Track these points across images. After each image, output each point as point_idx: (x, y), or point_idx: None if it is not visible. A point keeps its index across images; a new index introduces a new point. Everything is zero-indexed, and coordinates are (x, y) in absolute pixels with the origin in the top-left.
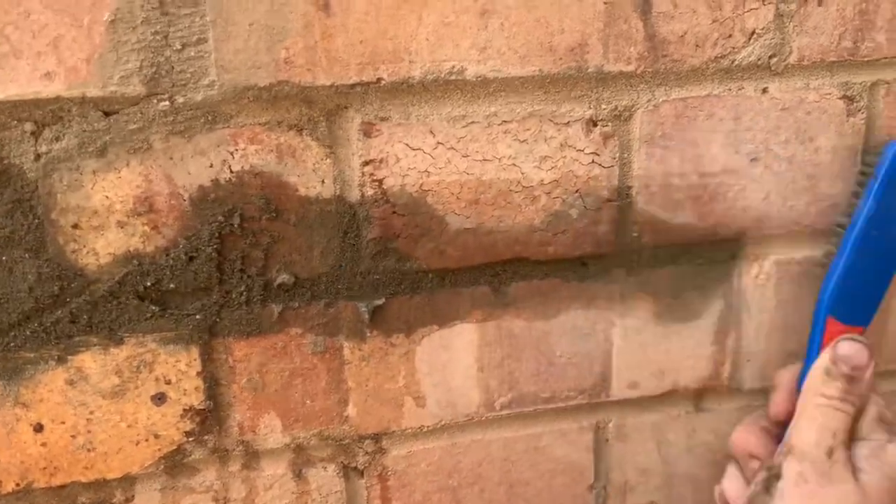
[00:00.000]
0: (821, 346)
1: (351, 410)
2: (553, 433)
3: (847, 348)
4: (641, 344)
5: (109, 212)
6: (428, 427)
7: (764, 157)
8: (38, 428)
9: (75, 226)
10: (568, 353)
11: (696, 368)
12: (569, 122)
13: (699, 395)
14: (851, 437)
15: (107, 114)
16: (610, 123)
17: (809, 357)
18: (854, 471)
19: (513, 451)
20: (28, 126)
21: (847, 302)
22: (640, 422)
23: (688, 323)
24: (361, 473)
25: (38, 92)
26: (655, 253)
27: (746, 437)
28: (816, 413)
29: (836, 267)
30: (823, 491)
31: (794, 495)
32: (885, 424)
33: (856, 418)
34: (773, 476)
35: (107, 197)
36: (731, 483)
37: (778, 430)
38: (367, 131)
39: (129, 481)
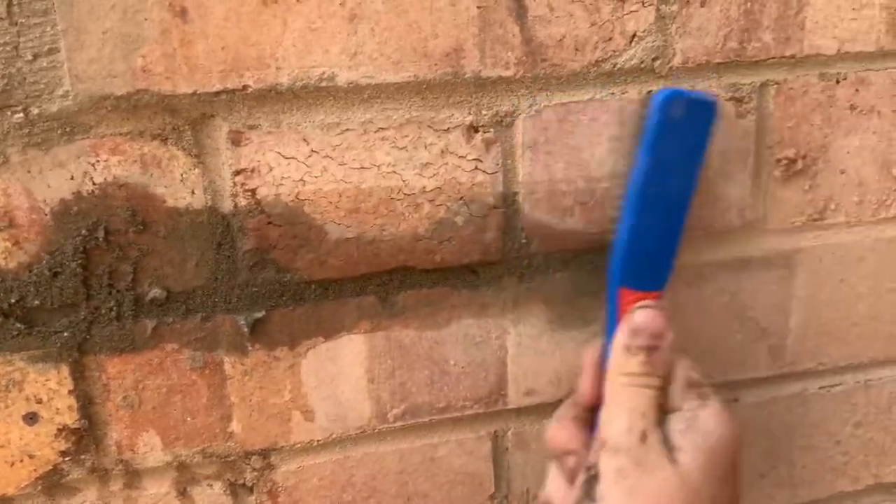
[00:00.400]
0: (617, 321)
1: (235, 426)
2: (450, 443)
3: (642, 317)
4: (537, 351)
5: None
6: (318, 441)
7: None
8: None
9: None
10: (462, 362)
11: None
12: (448, 129)
13: None
14: (664, 410)
15: None
16: (492, 129)
17: (609, 334)
18: (672, 450)
19: (409, 463)
20: None
21: (636, 268)
22: (539, 429)
23: (583, 329)
24: (251, 490)
25: None
26: (546, 259)
27: (558, 434)
28: (623, 395)
29: (620, 233)
30: (643, 483)
31: (614, 495)
32: (696, 388)
33: (664, 389)
34: (593, 477)
35: None
36: (554, 485)
37: (591, 416)
38: (236, 140)
39: (6, 503)
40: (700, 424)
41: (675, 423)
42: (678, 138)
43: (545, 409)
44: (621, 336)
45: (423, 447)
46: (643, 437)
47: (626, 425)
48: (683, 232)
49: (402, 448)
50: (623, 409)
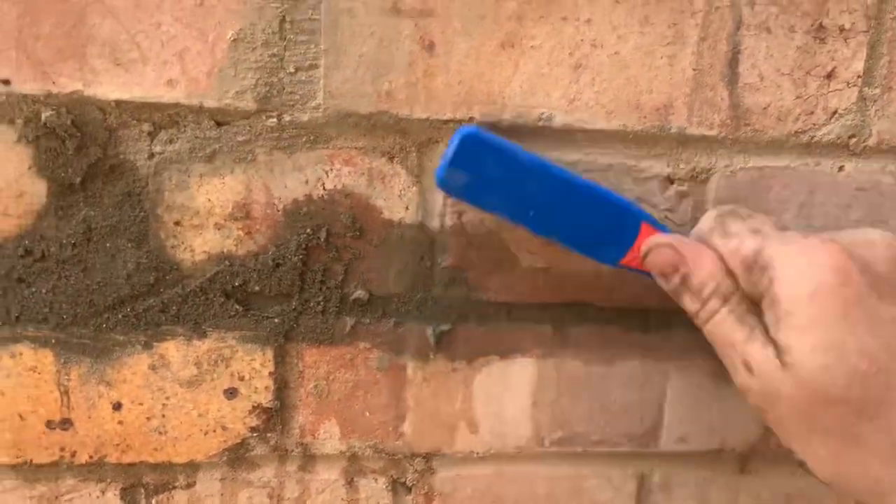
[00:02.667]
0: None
1: (407, 428)
2: (598, 476)
3: (653, 261)
4: (695, 400)
5: (210, 213)
6: (478, 453)
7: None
8: (117, 406)
9: (177, 223)
10: (621, 400)
11: (746, 431)
12: (646, 178)
13: (745, 458)
14: (756, 303)
15: (219, 124)
16: (686, 183)
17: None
18: (781, 353)
19: (557, 488)
20: (146, 127)
21: (604, 245)
22: (685, 477)
23: None
24: (409, 490)
25: (160, 97)
26: None
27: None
28: (714, 337)
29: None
30: (773, 408)
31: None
32: (752, 261)
33: (735, 293)
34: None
35: (209, 200)
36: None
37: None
38: None
39: (192, 468)
40: (779, 296)
41: (767, 316)
42: (483, 178)
43: (694, 458)
44: (661, 283)
45: (573, 476)
46: (748, 368)
47: (732, 369)
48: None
49: (553, 473)
50: (724, 353)
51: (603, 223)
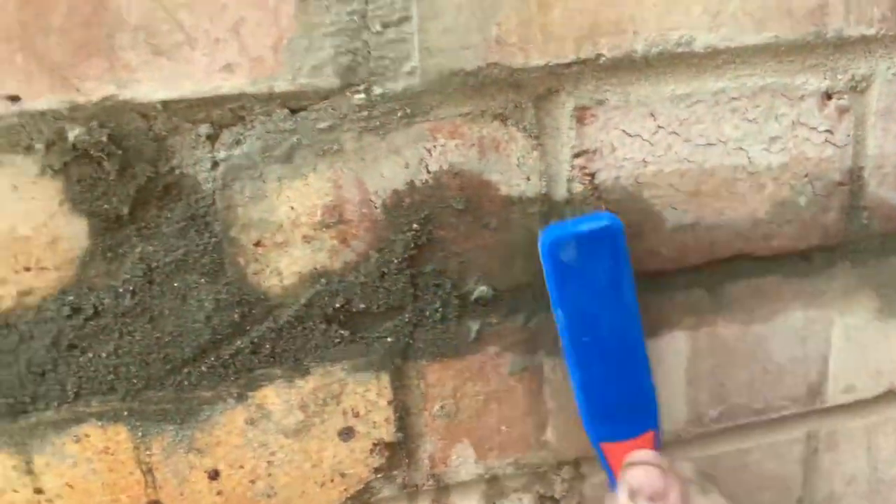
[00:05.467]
0: (613, 474)
1: (549, 435)
2: (763, 447)
3: (636, 478)
4: (861, 344)
5: (295, 225)
6: None
7: None
8: (214, 475)
9: (258, 243)
10: (783, 360)
11: None
12: (803, 96)
13: None
14: None
15: (293, 111)
16: (846, 95)
17: (612, 484)
18: None
19: (720, 468)
20: (204, 129)
21: (609, 420)
22: (852, 427)
23: None
24: (558, 502)
25: (217, 88)
26: (882, 242)
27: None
28: None
29: (575, 390)
30: None
31: None
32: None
33: None
34: None
35: (292, 208)
36: None
37: None
38: (581, 117)
39: None
40: None
41: None
42: (585, 274)
43: (861, 407)
44: (623, 497)
45: (736, 452)
46: None
47: None
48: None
49: (714, 454)
50: None
51: (625, 396)
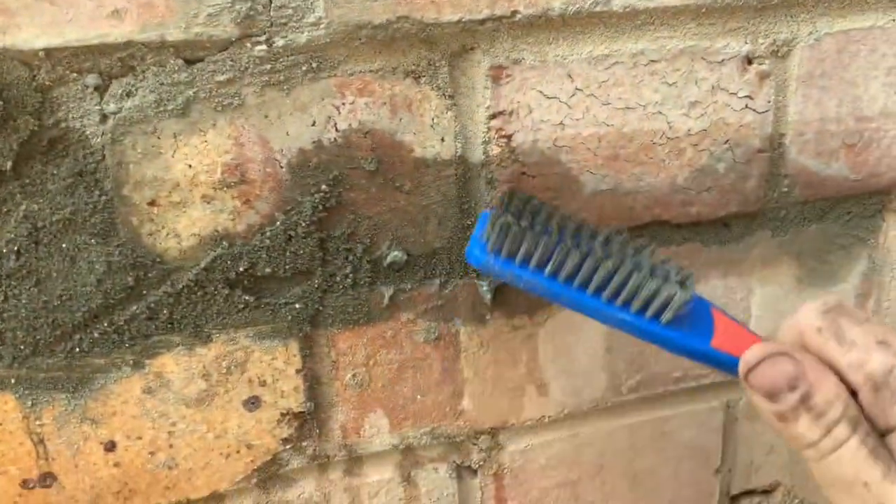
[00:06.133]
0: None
1: (466, 404)
2: (681, 416)
3: (766, 379)
4: (781, 312)
5: (193, 184)
6: (550, 417)
7: None
8: (111, 446)
9: (152, 202)
10: None
11: None
12: (723, 61)
13: None
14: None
15: (189, 62)
16: (767, 61)
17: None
18: None
19: (638, 438)
20: (91, 79)
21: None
22: None
23: (830, 287)
24: (475, 472)
25: (104, 35)
26: (802, 210)
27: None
28: (824, 475)
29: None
30: None
31: None
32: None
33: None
34: None
35: (190, 166)
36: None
37: None
38: (497, 77)
39: (216, 500)
40: None
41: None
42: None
43: None
44: (765, 405)
45: (654, 421)
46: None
47: None
48: None
49: (632, 423)
50: (849, 492)
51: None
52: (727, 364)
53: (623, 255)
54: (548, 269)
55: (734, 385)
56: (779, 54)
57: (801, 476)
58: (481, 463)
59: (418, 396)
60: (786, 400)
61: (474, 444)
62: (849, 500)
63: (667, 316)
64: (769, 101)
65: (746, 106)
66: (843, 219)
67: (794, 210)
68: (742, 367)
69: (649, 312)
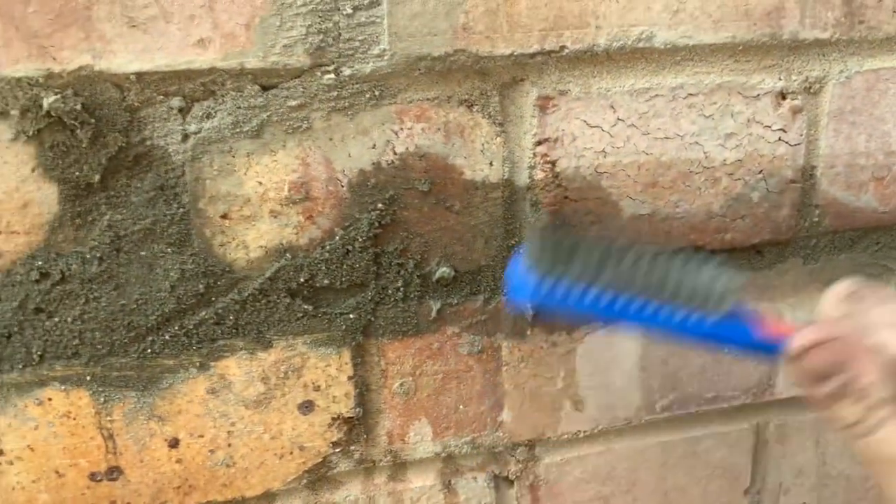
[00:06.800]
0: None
1: (506, 416)
2: (713, 436)
3: (811, 365)
4: None
5: (262, 200)
6: (585, 432)
7: None
8: (174, 443)
9: (225, 216)
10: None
11: None
12: (758, 95)
13: None
14: None
15: (264, 88)
16: (800, 96)
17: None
18: None
19: (670, 456)
20: (176, 102)
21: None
22: (801, 420)
23: None
24: (512, 483)
25: (190, 62)
26: (833, 239)
27: None
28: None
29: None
30: None
31: None
32: None
33: None
34: None
35: (260, 183)
36: None
37: None
38: (544, 106)
39: (268, 499)
40: None
41: None
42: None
43: None
44: (816, 390)
45: (686, 440)
46: None
47: None
48: None
49: (665, 441)
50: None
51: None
52: (769, 351)
53: (665, 261)
54: (599, 284)
55: (765, 407)
56: (811, 91)
57: (830, 499)
58: (518, 474)
59: (460, 407)
60: (830, 384)
61: (512, 456)
62: (893, 476)
63: (723, 309)
64: (801, 135)
65: (780, 139)
66: (872, 248)
67: (825, 239)
68: (789, 353)
69: (704, 309)
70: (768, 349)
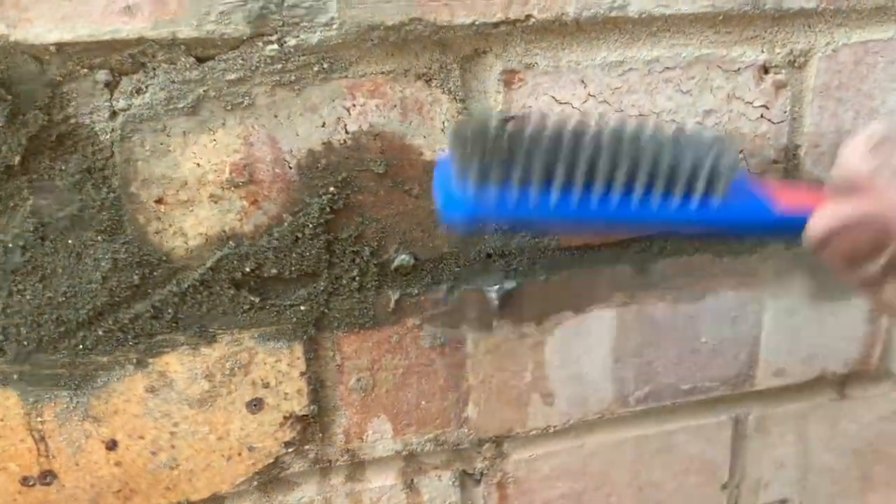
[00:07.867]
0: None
1: (471, 411)
2: (689, 429)
3: (845, 248)
4: (793, 327)
5: (201, 183)
6: (555, 427)
7: None
8: (112, 445)
9: (159, 200)
10: (713, 340)
11: (846, 351)
12: (739, 69)
13: (844, 382)
14: None
15: (200, 60)
16: (783, 70)
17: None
18: None
19: (645, 450)
20: (102, 75)
21: None
22: (782, 412)
23: (843, 301)
24: (478, 481)
25: (116, 31)
26: None
27: None
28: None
29: None
30: None
31: None
32: None
33: None
34: None
35: (198, 165)
36: None
37: None
38: (509, 81)
39: (216, 502)
40: None
41: None
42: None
43: (792, 391)
44: (845, 273)
45: (661, 434)
46: None
47: None
48: None
49: (639, 435)
50: None
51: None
52: (790, 228)
53: (639, 140)
54: (556, 183)
55: (744, 398)
56: (795, 64)
57: (812, 493)
58: (485, 471)
59: (422, 402)
60: (869, 268)
61: (478, 453)
62: None
63: (719, 190)
64: (785, 112)
65: (762, 116)
66: None
67: None
68: (814, 237)
69: (697, 195)
70: (789, 225)
